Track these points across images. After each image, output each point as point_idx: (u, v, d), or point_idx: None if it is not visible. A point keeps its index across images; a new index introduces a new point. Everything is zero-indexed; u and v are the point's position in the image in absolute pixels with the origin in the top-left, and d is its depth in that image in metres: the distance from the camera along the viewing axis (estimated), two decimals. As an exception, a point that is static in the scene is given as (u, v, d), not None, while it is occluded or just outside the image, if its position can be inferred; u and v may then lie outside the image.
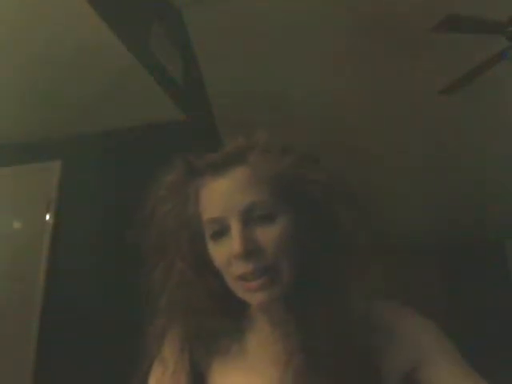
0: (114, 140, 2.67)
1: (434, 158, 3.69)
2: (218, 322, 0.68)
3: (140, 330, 0.68)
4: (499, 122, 3.36)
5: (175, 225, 0.68)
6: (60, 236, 2.51)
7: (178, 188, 0.68)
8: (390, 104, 3.26)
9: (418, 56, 2.90)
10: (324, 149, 0.70)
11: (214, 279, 0.67)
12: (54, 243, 2.49)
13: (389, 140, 3.50)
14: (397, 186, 3.88)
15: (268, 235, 0.62)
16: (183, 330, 0.70)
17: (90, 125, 2.65)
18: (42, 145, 2.75)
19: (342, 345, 0.61)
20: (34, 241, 2.52)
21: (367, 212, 0.66)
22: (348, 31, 2.78)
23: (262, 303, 0.64)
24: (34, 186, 2.67)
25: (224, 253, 0.63)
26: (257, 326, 0.70)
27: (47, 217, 2.54)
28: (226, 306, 0.68)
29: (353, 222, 0.64)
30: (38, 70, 2.22)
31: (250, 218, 0.62)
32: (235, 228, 0.62)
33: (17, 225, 2.65)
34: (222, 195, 0.64)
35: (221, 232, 0.64)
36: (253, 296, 0.63)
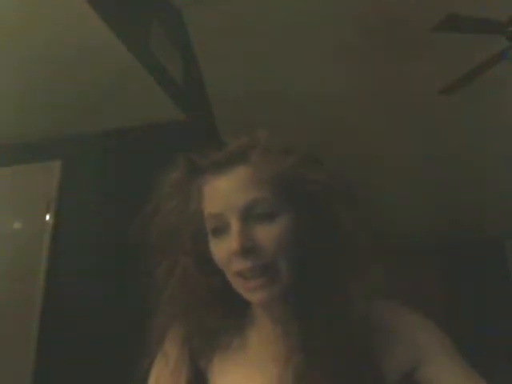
0: (113, 140, 2.67)
1: (433, 158, 3.69)
2: (219, 318, 0.69)
3: (140, 329, 0.68)
4: (499, 122, 3.36)
5: (179, 222, 0.69)
6: (60, 236, 2.51)
7: (181, 186, 0.69)
8: (390, 104, 3.26)
9: (418, 56, 2.90)
10: (324, 149, 0.70)
11: (216, 276, 0.67)
12: (53, 243, 2.49)
13: (389, 140, 3.50)
14: (397, 186, 3.89)
15: (267, 234, 0.62)
16: (185, 326, 0.71)
17: (90, 125, 2.65)
18: (41, 145, 2.75)
19: (342, 344, 0.61)
20: (33, 241, 2.52)
21: (367, 212, 0.67)
22: (348, 31, 2.78)
23: (262, 302, 0.64)
24: (33, 186, 2.67)
25: (224, 250, 0.64)
26: (258, 323, 0.70)
27: (47, 217, 2.54)
28: (228, 304, 0.69)
29: (353, 222, 0.64)
30: (38, 70, 2.22)
31: (250, 215, 0.63)
32: (234, 225, 0.62)
33: (17, 225, 2.65)
34: (223, 192, 0.64)
35: (221, 229, 0.64)
36: (252, 295, 0.63)
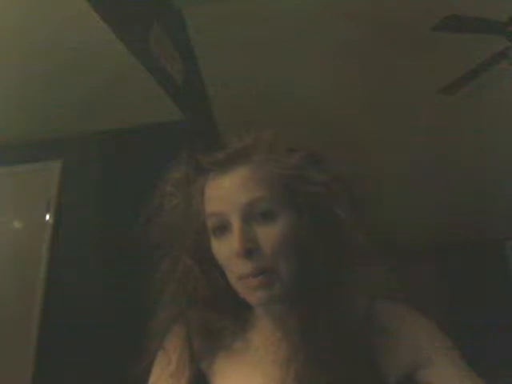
0: (113, 140, 2.67)
1: (434, 158, 3.69)
2: (220, 318, 0.69)
3: (140, 329, 0.68)
4: (499, 122, 3.35)
5: (181, 220, 0.69)
6: (60, 236, 2.51)
7: (184, 184, 0.69)
8: (391, 104, 3.25)
9: (418, 56, 2.90)
10: (324, 149, 0.70)
11: (217, 275, 0.67)
12: (53, 243, 2.49)
13: (389, 140, 3.50)
14: (397, 185, 3.88)
15: (269, 235, 0.62)
16: (186, 325, 0.70)
17: (89, 125, 2.65)
18: (42, 145, 2.75)
19: (343, 345, 0.61)
20: (33, 241, 2.52)
21: (368, 212, 0.67)
22: (348, 31, 2.78)
23: (261, 301, 0.64)
24: (33, 186, 2.67)
25: (225, 250, 0.64)
26: (259, 325, 0.70)
27: (47, 217, 2.54)
28: (229, 303, 0.68)
29: (354, 223, 0.64)
30: (38, 70, 2.22)
31: (252, 215, 0.63)
32: (236, 226, 0.62)
33: (17, 225, 2.65)
34: (224, 191, 0.64)
35: (222, 228, 0.64)
36: (252, 294, 0.63)
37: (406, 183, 3.90)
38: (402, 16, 2.66)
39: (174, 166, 0.70)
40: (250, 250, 0.61)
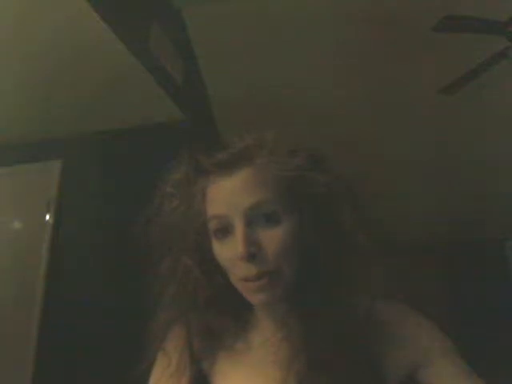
0: (114, 140, 2.67)
1: (434, 158, 3.69)
2: (221, 320, 0.68)
3: (141, 330, 0.68)
4: (499, 122, 3.36)
5: (181, 221, 0.68)
6: (60, 236, 2.51)
7: (184, 185, 0.69)
8: (391, 104, 3.25)
9: (418, 56, 2.90)
10: (324, 149, 0.70)
11: (218, 277, 0.67)
12: (53, 243, 2.49)
13: (389, 140, 3.50)
14: (397, 185, 3.88)
15: (272, 238, 0.62)
16: (186, 326, 0.70)
17: (90, 125, 2.65)
18: (42, 145, 2.75)
19: (344, 345, 0.61)
20: (33, 241, 2.52)
21: (370, 213, 0.66)
22: (349, 31, 2.78)
23: (263, 303, 0.64)
24: (33, 186, 2.67)
25: (227, 253, 0.63)
26: (260, 325, 0.70)
27: (47, 217, 2.54)
28: (230, 304, 0.68)
29: (356, 223, 0.64)
30: (38, 70, 2.22)
31: (254, 218, 0.62)
32: (239, 229, 0.62)
33: (17, 225, 2.65)
34: (227, 194, 0.64)
35: (224, 231, 0.64)
36: (253, 296, 0.63)
37: (406, 183, 3.91)
38: (402, 16, 2.66)
39: (174, 167, 0.70)
40: (253, 254, 0.61)
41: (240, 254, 0.60)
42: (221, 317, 0.68)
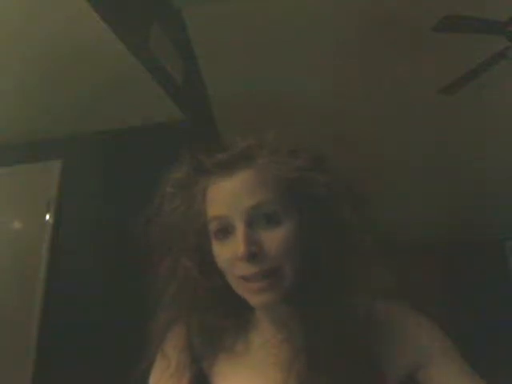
0: (113, 140, 2.67)
1: (434, 158, 3.69)
2: (221, 320, 0.68)
3: (140, 330, 0.68)
4: (499, 122, 3.35)
5: (181, 222, 0.68)
6: (60, 236, 2.51)
7: (185, 186, 0.69)
8: (391, 104, 3.25)
9: (418, 56, 2.90)
10: (324, 149, 0.70)
11: (218, 278, 0.67)
12: (53, 243, 2.49)
13: (389, 140, 3.50)
14: (397, 186, 3.88)
15: (273, 238, 0.62)
16: (186, 327, 0.70)
17: (89, 125, 2.65)
18: (42, 145, 2.75)
19: (344, 346, 0.61)
20: (33, 241, 2.52)
21: (370, 213, 0.66)
22: (348, 31, 2.78)
23: (264, 305, 0.64)
24: (34, 186, 2.67)
25: (227, 254, 0.63)
26: (260, 327, 0.70)
27: (47, 217, 2.54)
28: (230, 305, 0.68)
29: (357, 224, 0.64)
30: (38, 70, 2.22)
31: (255, 219, 0.62)
32: (240, 229, 0.61)
33: (17, 225, 2.65)
34: (228, 195, 0.63)
35: (225, 232, 0.63)
36: (255, 297, 0.63)
37: (406, 183, 3.90)
38: (402, 16, 2.66)
39: (175, 167, 0.70)
40: (254, 254, 0.60)
41: (241, 253, 0.60)
42: (220, 317, 0.68)
